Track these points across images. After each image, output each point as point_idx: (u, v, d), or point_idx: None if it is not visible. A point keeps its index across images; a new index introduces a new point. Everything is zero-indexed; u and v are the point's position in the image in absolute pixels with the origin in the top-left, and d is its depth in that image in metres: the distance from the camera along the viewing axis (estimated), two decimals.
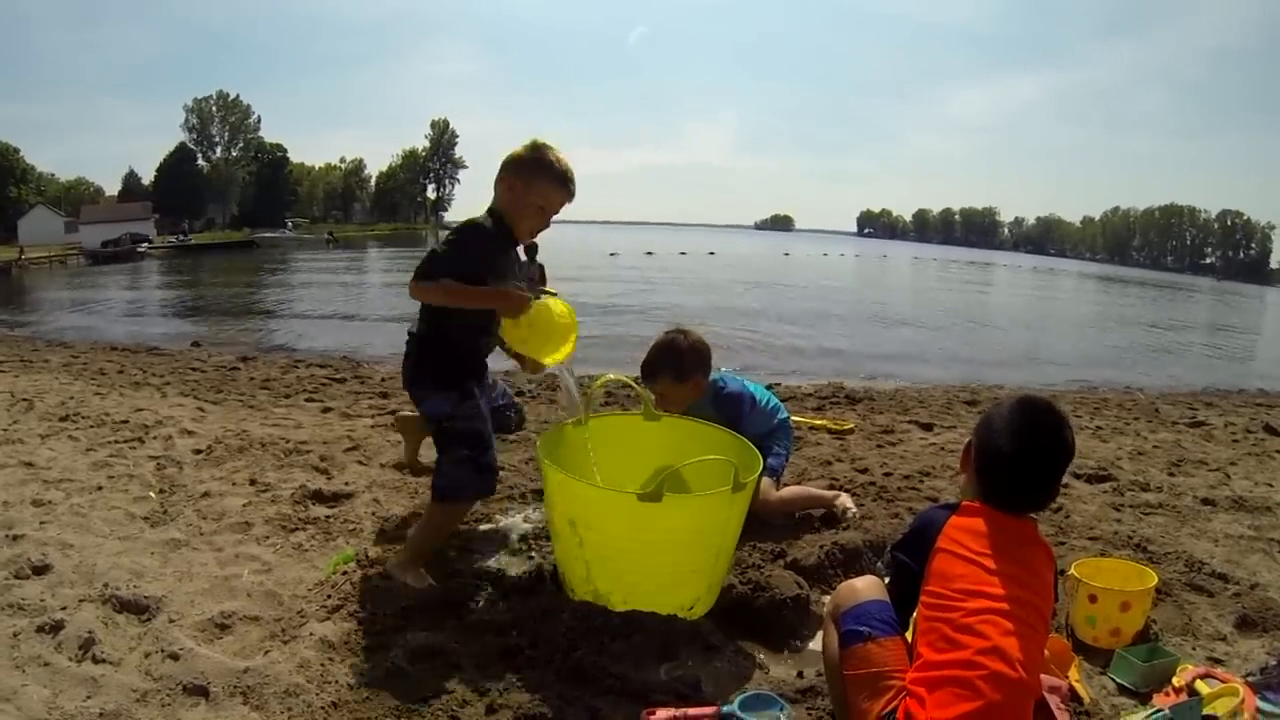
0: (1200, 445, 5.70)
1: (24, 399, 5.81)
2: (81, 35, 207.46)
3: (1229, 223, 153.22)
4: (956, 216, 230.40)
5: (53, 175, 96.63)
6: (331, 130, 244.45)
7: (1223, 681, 2.26)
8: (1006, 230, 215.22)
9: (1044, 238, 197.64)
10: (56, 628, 2.43)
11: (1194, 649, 2.61)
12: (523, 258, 10.11)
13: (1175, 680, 2.31)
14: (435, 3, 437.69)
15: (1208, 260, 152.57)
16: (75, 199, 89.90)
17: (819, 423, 5.67)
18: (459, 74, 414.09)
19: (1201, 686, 2.25)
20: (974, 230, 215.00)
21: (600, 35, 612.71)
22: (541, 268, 11.98)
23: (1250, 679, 2.29)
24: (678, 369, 3.43)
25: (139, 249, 51.31)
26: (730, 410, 3.50)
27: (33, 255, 44.69)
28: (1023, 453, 1.86)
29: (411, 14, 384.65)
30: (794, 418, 4.43)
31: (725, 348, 11.25)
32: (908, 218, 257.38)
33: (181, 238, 67.07)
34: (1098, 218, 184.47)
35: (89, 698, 2.13)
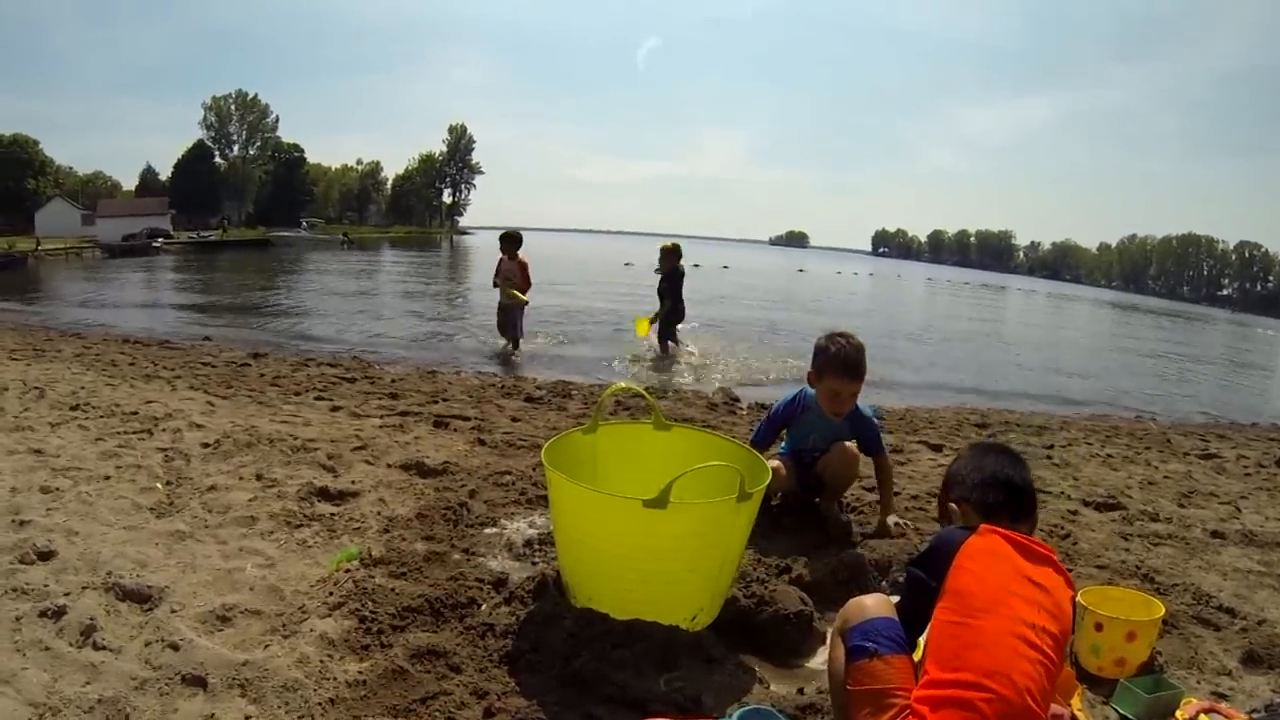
0: (1211, 477, 5.66)
1: (36, 387, 5.85)
2: (98, 34, 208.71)
3: (1247, 254, 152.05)
4: (972, 239, 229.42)
5: (71, 168, 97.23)
6: (343, 134, 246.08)
7: (1227, 718, 2.23)
8: (1022, 254, 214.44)
9: (1059, 263, 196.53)
10: (59, 613, 2.45)
11: (1199, 683, 2.59)
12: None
13: (1179, 714, 2.29)
14: (450, 9, 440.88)
15: (1225, 291, 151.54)
16: (93, 193, 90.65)
17: None
18: (473, 80, 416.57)
19: None
20: (989, 253, 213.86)
21: (614, 44, 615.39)
22: (524, 265, 10.55)
23: (1255, 716, 2.27)
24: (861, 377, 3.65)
25: (154, 244, 51.67)
26: (867, 430, 3.69)
27: (49, 247, 44.94)
28: (1006, 471, 2.08)
29: (425, 20, 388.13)
30: None
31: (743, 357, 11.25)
32: (923, 238, 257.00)
33: (202, 235, 67.47)
34: (1114, 244, 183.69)
35: (88, 684, 2.13)
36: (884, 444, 3.79)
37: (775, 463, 3.62)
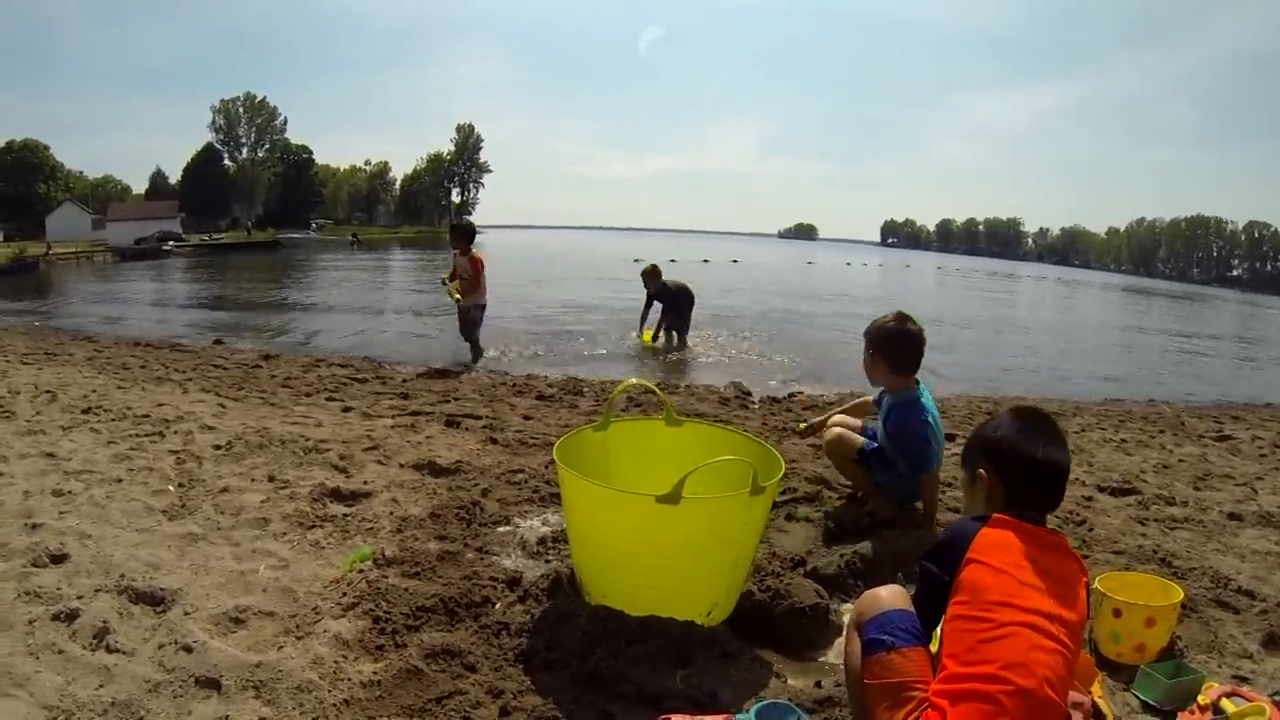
0: (1226, 459, 5.61)
1: (48, 391, 5.87)
2: (106, 35, 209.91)
3: (1256, 234, 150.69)
4: (980, 227, 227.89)
5: (81, 173, 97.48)
6: (351, 134, 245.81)
7: (1249, 700, 2.21)
8: (1031, 241, 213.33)
9: (1068, 248, 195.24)
10: (72, 616, 2.45)
11: (1219, 666, 2.56)
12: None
13: (1200, 698, 2.27)
14: (456, 6, 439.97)
15: (1234, 272, 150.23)
16: (103, 196, 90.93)
17: None
18: (480, 78, 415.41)
19: (1227, 705, 2.20)
20: (998, 241, 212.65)
21: (621, 37, 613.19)
22: (478, 261, 9.13)
23: (1276, 698, 2.24)
24: (877, 348, 3.51)
25: (165, 247, 52.02)
26: (891, 435, 3.53)
27: (60, 251, 45.14)
28: (1054, 457, 1.91)
29: (432, 18, 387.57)
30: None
31: (744, 353, 11.23)
32: (931, 228, 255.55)
33: (214, 237, 67.81)
34: (1123, 228, 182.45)
35: (101, 686, 2.14)
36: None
37: (840, 417, 3.84)
